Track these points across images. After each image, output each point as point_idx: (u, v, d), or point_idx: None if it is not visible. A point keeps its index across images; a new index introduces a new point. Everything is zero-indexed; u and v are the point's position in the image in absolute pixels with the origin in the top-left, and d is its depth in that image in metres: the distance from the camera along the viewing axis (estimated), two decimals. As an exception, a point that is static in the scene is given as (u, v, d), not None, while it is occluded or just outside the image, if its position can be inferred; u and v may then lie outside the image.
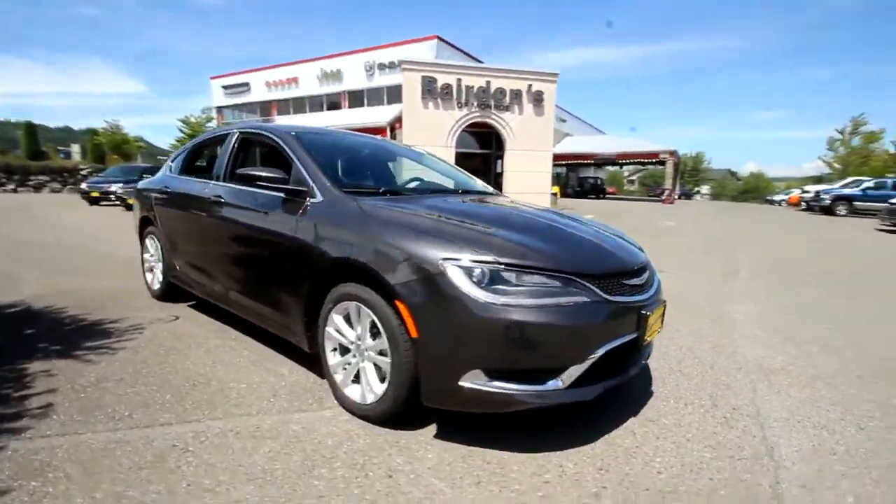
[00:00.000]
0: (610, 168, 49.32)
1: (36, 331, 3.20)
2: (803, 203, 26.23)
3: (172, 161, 4.15)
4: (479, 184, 3.61)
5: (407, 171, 3.59)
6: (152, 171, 17.82)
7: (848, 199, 20.82)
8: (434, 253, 1.91)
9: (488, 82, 15.14)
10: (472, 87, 15.06)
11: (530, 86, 15.52)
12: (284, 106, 28.16)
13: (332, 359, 2.34)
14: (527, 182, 15.26)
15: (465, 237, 1.99)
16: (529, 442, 2.05)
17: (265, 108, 28.86)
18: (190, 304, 3.97)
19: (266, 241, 2.61)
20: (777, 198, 37.84)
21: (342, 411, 2.26)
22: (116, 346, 2.95)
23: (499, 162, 16.93)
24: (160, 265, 3.96)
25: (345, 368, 2.30)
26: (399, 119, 16.15)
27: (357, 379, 2.25)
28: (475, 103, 15.19)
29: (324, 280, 2.30)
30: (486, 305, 1.80)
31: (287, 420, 2.17)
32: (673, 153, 31.65)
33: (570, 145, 33.59)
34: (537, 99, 15.61)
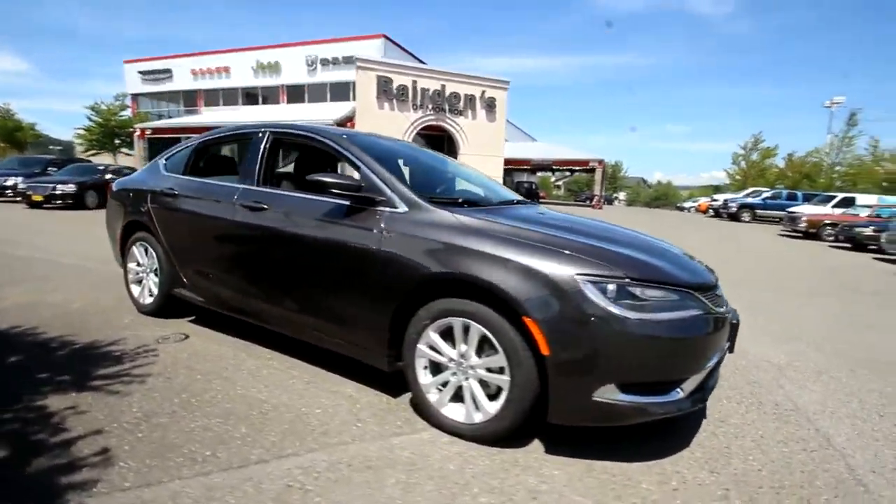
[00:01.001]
0: (539, 174, 51.64)
1: (22, 359, 2.69)
2: (711, 210, 29.35)
3: (166, 159, 3.69)
4: (513, 192, 3.62)
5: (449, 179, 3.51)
6: (60, 163, 15.63)
7: (751, 207, 23.64)
8: (567, 269, 1.90)
9: (443, 86, 15.20)
10: (428, 89, 15.03)
11: (483, 92, 15.82)
12: (213, 97, 26.04)
13: (424, 378, 2.23)
14: (479, 186, 15.54)
15: (591, 253, 1.99)
16: (632, 451, 2.10)
17: (190, 97, 26.48)
18: (189, 319, 3.56)
19: (336, 253, 2.42)
20: (687, 205, 41.82)
21: (439, 433, 2.16)
22: (139, 373, 2.57)
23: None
24: (153, 277, 3.52)
25: (440, 388, 2.20)
26: (350, 118, 15.70)
27: (457, 398, 2.16)
28: (430, 106, 15.17)
29: (418, 296, 2.18)
30: (623, 320, 1.82)
31: (390, 446, 2.03)
32: (601, 162, 33.91)
33: (507, 151, 34.66)
34: (490, 105, 15.95)
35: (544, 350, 1.87)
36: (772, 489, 1.91)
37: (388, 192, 2.39)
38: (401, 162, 3.00)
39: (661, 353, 1.87)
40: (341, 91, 22.70)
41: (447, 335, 2.14)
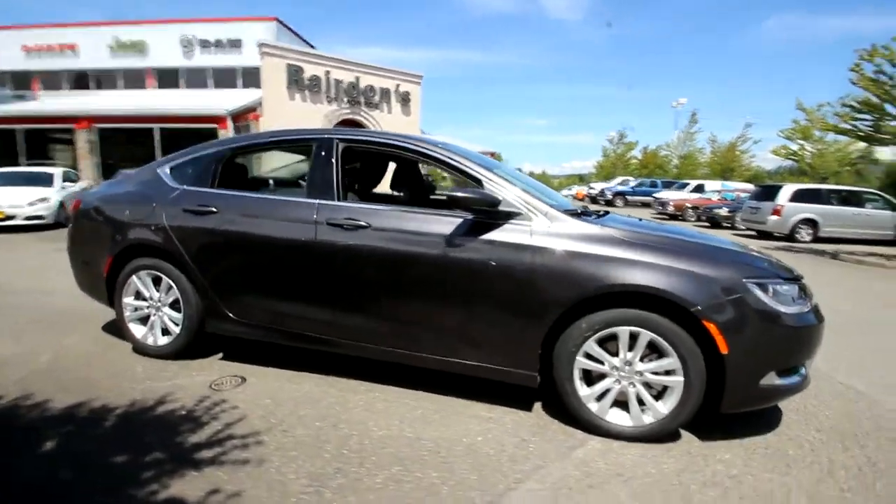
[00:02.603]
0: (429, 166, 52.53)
1: (77, 448, 2.06)
2: (588, 197, 32.98)
3: (171, 168, 3.04)
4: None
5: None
6: None
7: (623, 195, 27.18)
8: (733, 274, 2.09)
9: (358, 78, 14.60)
10: (342, 81, 14.31)
11: (398, 85, 15.58)
12: (54, 79, 21.16)
13: (583, 389, 2.26)
14: (398, 181, 15.34)
15: (744, 257, 2.21)
16: (744, 427, 2.37)
17: (22, 79, 21.16)
18: (218, 357, 3.04)
19: (474, 272, 2.29)
20: (564, 192, 46.38)
21: (606, 440, 2.21)
22: (241, 432, 2.14)
23: (366, 160, 16.54)
24: (169, 312, 2.92)
25: (598, 398, 2.25)
26: (252, 109, 14.25)
27: (619, 404, 2.24)
28: (345, 99, 14.48)
29: (576, 309, 2.19)
30: (781, 314, 2.08)
31: (581, 464, 2.03)
32: (492, 154, 35.83)
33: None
34: (405, 99, 15.78)
35: (723, 349, 2.05)
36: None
37: (523, 205, 2.34)
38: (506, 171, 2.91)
39: (802, 339, 2.17)
40: (226, 78, 20.34)
41: (617, 345, 2.20)
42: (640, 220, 2.84)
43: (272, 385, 2.66)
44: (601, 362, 2.22)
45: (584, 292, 2.15)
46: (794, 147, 18.91)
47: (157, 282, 2.94)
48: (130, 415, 2.27)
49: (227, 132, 16.31)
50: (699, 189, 21.67)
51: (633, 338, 2.16)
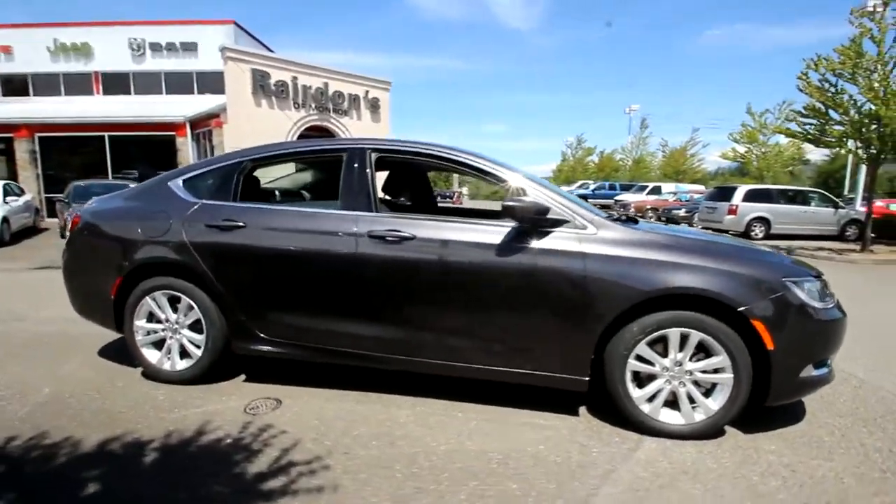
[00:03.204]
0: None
1: (106, 487, 1.89)
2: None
3: (185, 180, 2.87)
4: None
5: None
6: None
7: (584, 198, 28.12)
8: (774, 274, 2.22)
9: (326, 84, 14.32)
10: (310, 87, 13.98)
11: (367, 92, 15.41)
12: (-17, 83, 19.45)
13: (635, 391, 2.32)
14: (369, 188, 15.14)
15: (777, 258, 2.35)
16: (778, 418, 2.53)
17: None
18: (242, 379, 2.90)
19: (526, 281, 2.31)
20: None
21: (658, 440, 2.27)
22: (303, 459, 2.04)
23: (335, 167, 16.22)
24: (189, 334, 2.76)
25: (650, 399, 2.32)
26: (212, 115, 13.67)
27: (668, 404, 2.32)
28: (313, 105, 14.16)
29: (627, 313, 2.25)
30: (817, 310, 2.22)
31: (646, 465, 2.08)
32: (456, 159, 36.04)
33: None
34: (374, 105, 15.63)
35: (769, 346, 2.16)
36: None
37: (570, 213, 2.38)
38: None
39: (833, 333, 2.32)
40: (182, 83, 19.37)
41: (667, 346, 2.27)
42: (666, 224, 2.96)
43: (312, 405, 2.56)
44: (652, 363, 2.29)
45: (638, 296, 2.21)
46: (742, 150, 20.23)
47: (172, 302, 2.77)
48: (172, 448, 2.12)
49: (185, 140, 15.57)
50: (656, 191, 22.78)
51: (684, 338, 2.24)
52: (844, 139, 9.71)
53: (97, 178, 12.54)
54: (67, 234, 3.06)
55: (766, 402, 2.26)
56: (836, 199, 14.07)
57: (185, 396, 2.65)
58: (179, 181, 2.89)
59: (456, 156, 2.61)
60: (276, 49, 20.89)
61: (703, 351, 2.26)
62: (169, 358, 2.82)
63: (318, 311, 2.58)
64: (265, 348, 2.68)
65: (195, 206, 2.74)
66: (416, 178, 3.45)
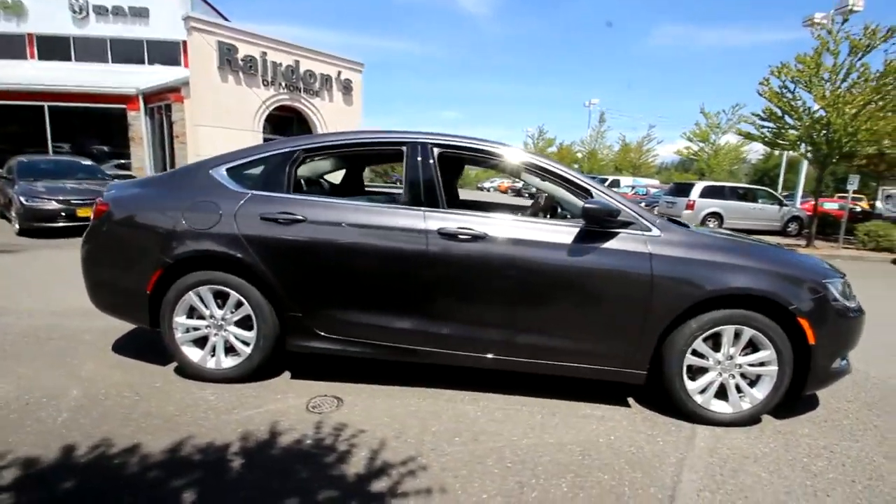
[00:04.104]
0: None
1: (204, 498, 1.81)
2: (511, 190, 34.46)
3: (229, 169, 2.71)
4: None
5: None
6: None
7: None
8: (814, 276, 2.45)
9: (297, 62, 13.68)
10: (280, 64, 13.31)
11: (339, 73, 14.88)
12: None
13: (690, 384, 2.49)
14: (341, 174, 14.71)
15: (814, 261, 2.58)
16: (800, 407, 2.83)
17: None
18: (287, 377, 2.83)
19: (597, 279, 2.41)
20: (486, 185, 47.65)
21: (709, 428, 2.46)
22: (398, 459, 2.05)
23: (304, 150, 15.61)
24: (236, 331, 2.65)
25: (703, 391, 2.50)
26: (171, 89, 12.72)
27: (723, 395, 2.51)
28: (283, 84, 13.51)
29: (688, 311, 2.41)
30: (847, 308, 2.48)
31: (710, 452, 2.26)
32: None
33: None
34: (346, 87, 15.14)
35: (811, 340, 2.39)
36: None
37: (635, 216, 2.49)
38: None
39: (857, 328, 2.59)
40: (130, 51, 17.78)
41: (720, 342, 2.45)
42: (711, 228, 3.16)
43: (375, 403, 2.55)
44: (706, 357, 2.47)
45: (701, 295, 2.37)
46: (696, 147, 21.48)
47: (218, 297, 2.64)
48: (253, 451, 2.05)
49: (138, 115, 14.44)
50: (615, 185, 23.76)
51: (737, 335, 2.43)
52: (798, 142, 10.56)
53: (43, 154, 11.38)
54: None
55: (802, 392, 2.50)
56: (781, 197, 15.32)
57: (237, 396, 2.55)
58: (222, 170, 2.73)
59: (521, 156, 2.65)
60: (233, 18, 19.63)
61: (750, 345, 2.47)
62: (213, 356, 2.69)
63: (381, 309, 2.55)
64: (323, 345, 2.62)
65: (246, 197, 2.61)
66: (451, 173, 3.45)
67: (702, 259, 2.41)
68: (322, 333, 2.60)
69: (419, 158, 2.61)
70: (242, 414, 2.36)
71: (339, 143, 2.81)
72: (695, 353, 2.46)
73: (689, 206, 14.55)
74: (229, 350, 2.70)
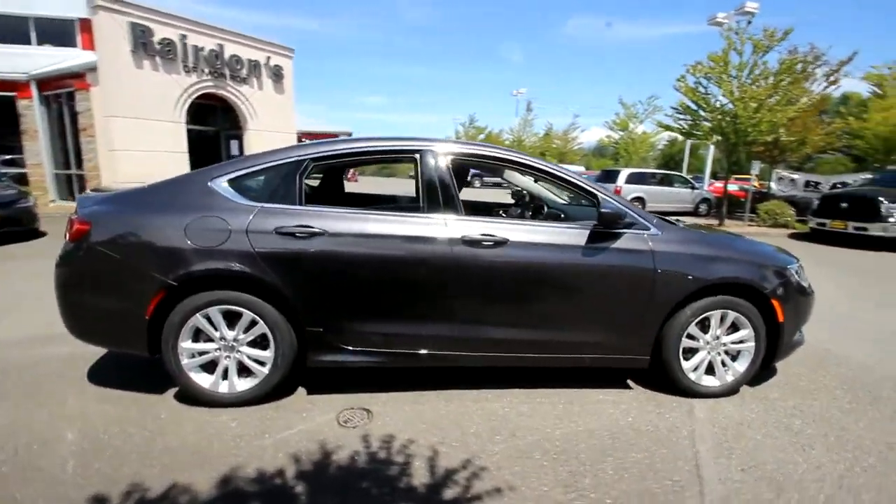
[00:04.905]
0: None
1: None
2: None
3: (231, 181, 2.53)
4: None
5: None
6: None
7: (480, 176, 29.56)
8: (780, 263, 2.85)
9: (221, 46, 12.61)
10: (202, 48, 12.19)
11: (269, 58, 13.96)
12: None
13: (685, 363, 2.80)
14: (275, 166, 13.94)
15: (773, 249, 2.99)
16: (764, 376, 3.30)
17: None
18: (304, 393, 2.76)
19: (609, 276, 2.62)
20: (413, 174, 47.57)
21: (700, 400, 2.80)
22: (455, 464, 2.11)
23: (233, 143, 14.54)
24: (250, 351, 2.53)
25: (696, 369, 2.83)
26: (74, 75, 11.22)
27: (709, 371, 2.85)
28: (207, 70, 12.41)
29: (685, 299, 2.70)
30: (805, 288, 2.93)
31: (710, 422, 2.58)
32: (350, 134, 34.79)
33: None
34: (277, 74, 14.26)
35: (780, 318, 2.80)
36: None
37: (635, 216, 2.72)
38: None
39: (811, 305, 3.04)
40: (11, 29, 15.32)
41: (707, 324, 2.77)
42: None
43: (405, 410, 2.58)
44: (697, 339, 2.80)
45: (697, 285, 2.66)
46: (616, 136, 23.12)
47: (234, 318, 2.50)
48: (312, 474, 2.01)
49: (31, 104, 12.55)
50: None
51: (723, 318, 2.77)
52: (711, 133, 11.80)
53: None
54: (65, 241, 2.50)
55: (771, 363, 2.92)
56: (693, 182, 17.04)
57: (258, 419, 2.45)
58: (222, 181, 2.56)
59: (531, 161, 2.79)
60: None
61: (732, 325, 2.83)
62: (225, 379, 2.55)
63: (407, 319, 2.57)
64: (348, 359, 2.58)
65: (255, 211, 2.47)
66: (459, 178, 3.49)
67: (695, 253, 2.71)
68: (346, 347, 2.57)
69: (434, 165, 2.63)
70: (276, 437, 2.28)
71: (349, 150, 2.74)
72: (689, 336, 2.78)
73: (617, 192, 15.71)
74: (241, 372, 2.58)
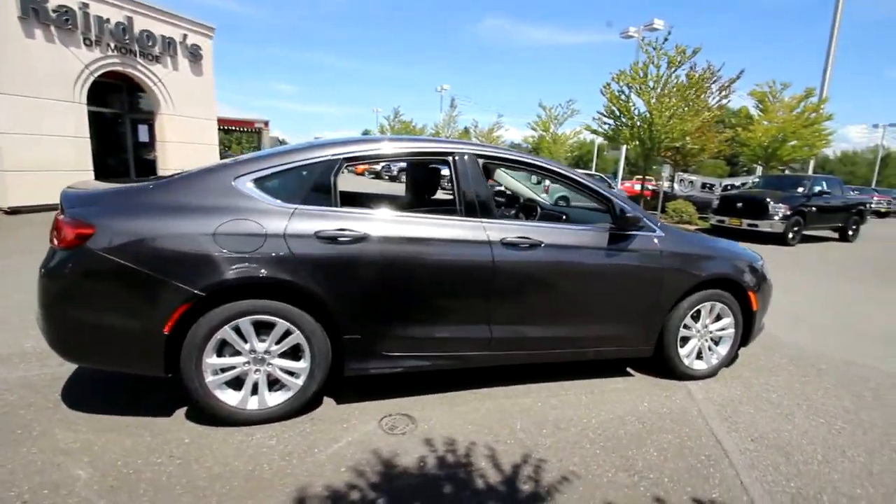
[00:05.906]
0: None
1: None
2: (370, 173, 34.38)
3: (254, 179, 2.33)
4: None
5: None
6: None
7: (402, 171, 29.75)
8: (752, 260, 3.32)
9: (130, 19, 11.10)
10: (108, 20, 10.64)
11: (185, 36, 12.58)
12: None
13: (681, 350, 3.14)
14: (193, 156, 12.68)
15: (740, 247, 3.45)
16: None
17: None
18: (335, 403, 2.66)
19: (626, 274, 2.86)
20: (446, 175, 46.41)
21: (692, 382, 3.17)
22: (522, 461, 2.18)
23: (142, 128, 12.91)
24: (281, 363, 2.38)
25: (689, 355, 3.18)
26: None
27: (698, 356, 3.23)
28: (112, 45, 10.87)
29: (684, 294, 3.03)
30: (769, 280, 3.43)
31: (709, 401, 2.93)
32: (266, 123, 32.62)
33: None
34: (194, 54, 12.90)
35: (755, 307, 3.25)
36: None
37: (644, 220, 2.98)
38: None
39: (771, 295, 3.57)
40: None
41: (699, 315, 3.13)
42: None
43: (447, 412, 2.59)
44: (690, 329, 3.15)
45: (695, 281, 3.00)
46: (537, 136, 24.44)
47: (262, 331, 2.32)
48: (389, 485, 1.95)
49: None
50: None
51: (711, 309, 3.15)
52: (631, 138, 12.98)
53: None
54: (54, 247, 2.13)
55: (745, 345, 3.38)
56: (610, 182, 18.60)
57: (298, 435, 2.32)
58: (247, 181, 2.35)
59: (558, 168, 2.95)
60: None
61: (717, 315, 3.22)
62: (254, 395, 2.36)
63: (450, 320, 2.59)
64: (388, 365, 2.53)
65: (291, 213, 2.31)
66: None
67: (693, 253, 3.05)
68: (389, 353, 2.51)
69: (469, 169, 2.66)
70: (327, 452, 2.18)
71: (382, 153, 2.66)
72: (685, 326, 3.12)
73: (546, 191, 16.68)
74: (273, 386, 2.41)
